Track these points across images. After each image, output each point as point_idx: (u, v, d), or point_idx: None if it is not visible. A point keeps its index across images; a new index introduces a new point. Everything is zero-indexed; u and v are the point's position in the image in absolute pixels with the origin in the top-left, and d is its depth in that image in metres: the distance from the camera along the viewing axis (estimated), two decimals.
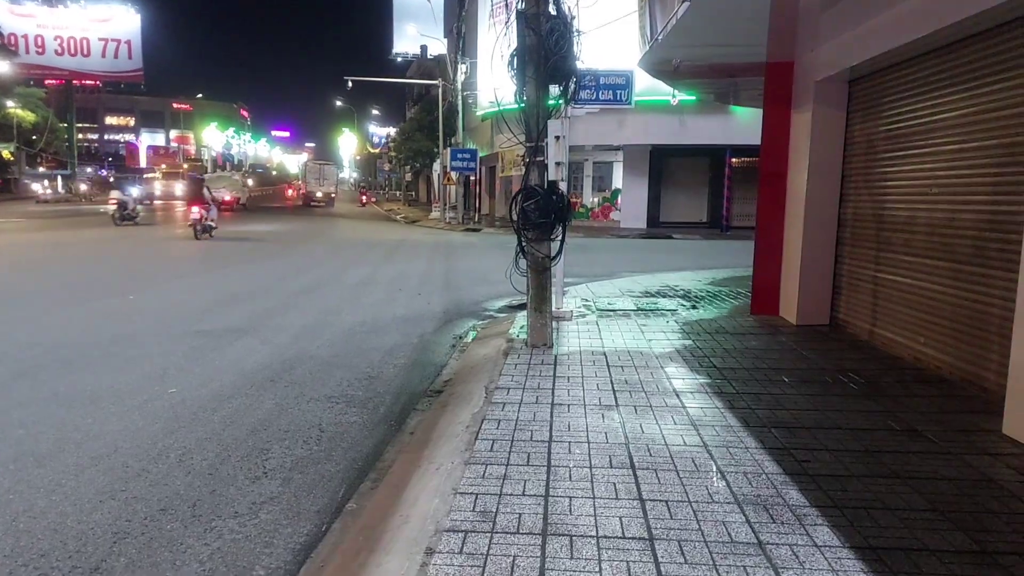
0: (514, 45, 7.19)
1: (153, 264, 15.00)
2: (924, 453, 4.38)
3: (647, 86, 26.69)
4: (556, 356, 6.85)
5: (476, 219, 35.00)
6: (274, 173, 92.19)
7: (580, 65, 7.16)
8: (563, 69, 6.99)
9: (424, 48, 62.82)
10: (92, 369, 6.47)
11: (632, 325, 8.54)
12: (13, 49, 56.71)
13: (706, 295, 10.88)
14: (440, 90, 38.03)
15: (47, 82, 64.22)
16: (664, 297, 10.72)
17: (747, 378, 6.10)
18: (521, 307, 10.19)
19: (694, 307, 9.83)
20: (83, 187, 54.21)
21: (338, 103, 79.48)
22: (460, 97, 35.94)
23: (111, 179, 30.08)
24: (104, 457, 4.46)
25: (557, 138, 7.06)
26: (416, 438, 4.96)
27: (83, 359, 6.83)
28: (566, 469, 4.05)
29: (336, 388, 6.13)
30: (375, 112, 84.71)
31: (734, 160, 29.61)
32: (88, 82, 68.48)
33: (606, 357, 6.84)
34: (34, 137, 57.92)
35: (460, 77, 35.83)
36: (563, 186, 7.23)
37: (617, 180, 31.22)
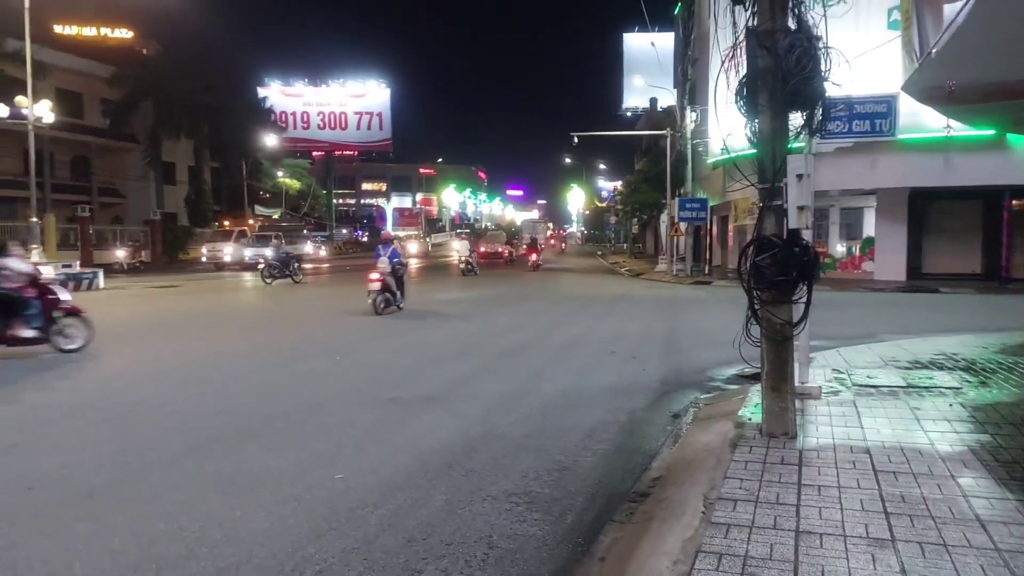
0: (742, 72, 5.96)
1: (358, 326, 15.13)
2: None
3: (906, 121, 23.76)
4: (801, 452, 5.32)
5: (706, 271, 33.06)
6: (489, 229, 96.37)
7: (829, 88, 5.73)
8: (806, 93, 5.61)
9: (653, 101, 62.25)
10: (267, 443, 6.00)
11: (902, 408, 6.70)
12: (283, 126, 64.15)
13: (998, 368, 8.58)
14: (668, 140, 36.91)
15: (314, 154, 71.80)
16: (940, 369, 8.59)
17: None
18: (755, 377, 8.62)
19: (984, 384, 7.69)
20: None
21: (567, 160, 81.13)
22: (689, 146, 34.50)
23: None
24: (231, 569, 3.74)
25: (799, 177, 5.63)
26: (607, 570, 3.75)
27: (263, 430, 6.42)
28: None
29: (520, 481, 5.09)
30: (602, 167, 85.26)
31: (1014, 202, 25.28)
32: (347, 152, 75.55)
33: (870, 456, 5.19)
34: (300, 202, 64.81)
35: (689, 125, 34.45)
36: (807, 235, 5.76)
37: (869, 227, 27.90)
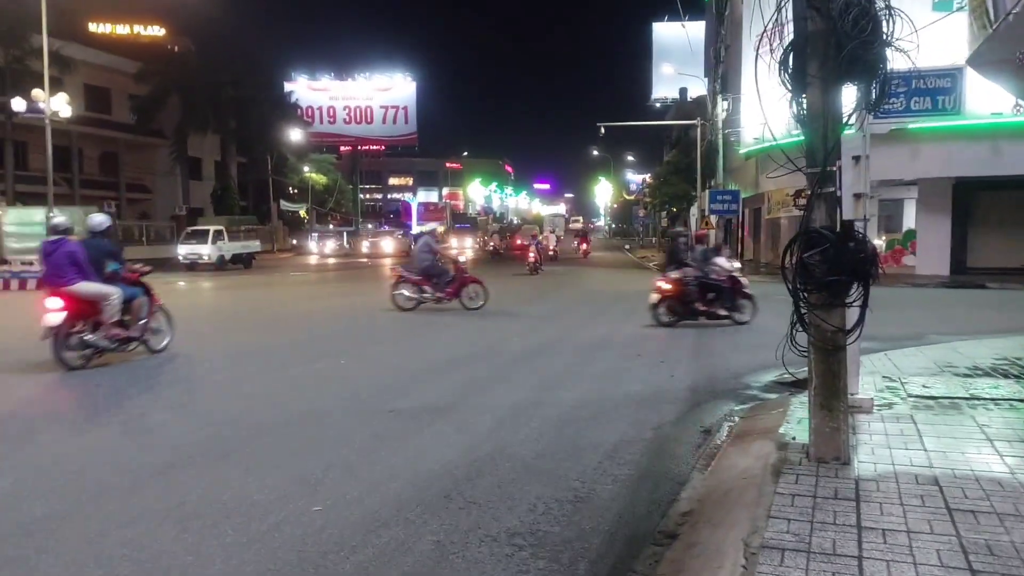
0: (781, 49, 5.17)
1: (375, 322, 14.49)
2: None
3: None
4: (857, 482, 4.53)
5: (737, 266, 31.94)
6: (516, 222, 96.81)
7: (891, 56, 4.91)
8: (866, 60, 4.79)
9: (683, 91, 61.03)
10: (247, 463, 5.34)
11: (968, 426, 5.86)
12: (309, 121, 63.99)
13: None
14: (699, 130, 35.88)
15: (342, 149, 71.64)
16: (1006, 377, 7.71)
17: None
18: (797, 385, 7.80)
19: None
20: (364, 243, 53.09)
21: (595, 152, 79.95)
22: (720, 136, 33.43)
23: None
24: None
25: (856, 159, 4.83)
26: None
27: (246, 447, 5.76)
28: None
29: (526, 516, 4.36)
30: (630, 159, 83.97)
31: None
32: (373, 147, 75.24)
33: (940, 488, 4.39)
34: (327, 197, 64.54)
35: (720, 115, 33.38)
36: (865, 228, 4.98)
37: (909, 219, 26.73)
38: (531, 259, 28.40)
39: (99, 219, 9.48)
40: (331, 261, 41.15)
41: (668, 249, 14.16)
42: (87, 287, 8.67)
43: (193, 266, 30.97)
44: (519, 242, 50.53)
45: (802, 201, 24.31)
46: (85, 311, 8.65)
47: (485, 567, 3.69)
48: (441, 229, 67.20)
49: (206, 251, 31.18)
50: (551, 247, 39.89)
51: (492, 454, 5.56)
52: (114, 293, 8.87)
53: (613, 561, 3.82)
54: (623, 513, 4.46)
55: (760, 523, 3.90)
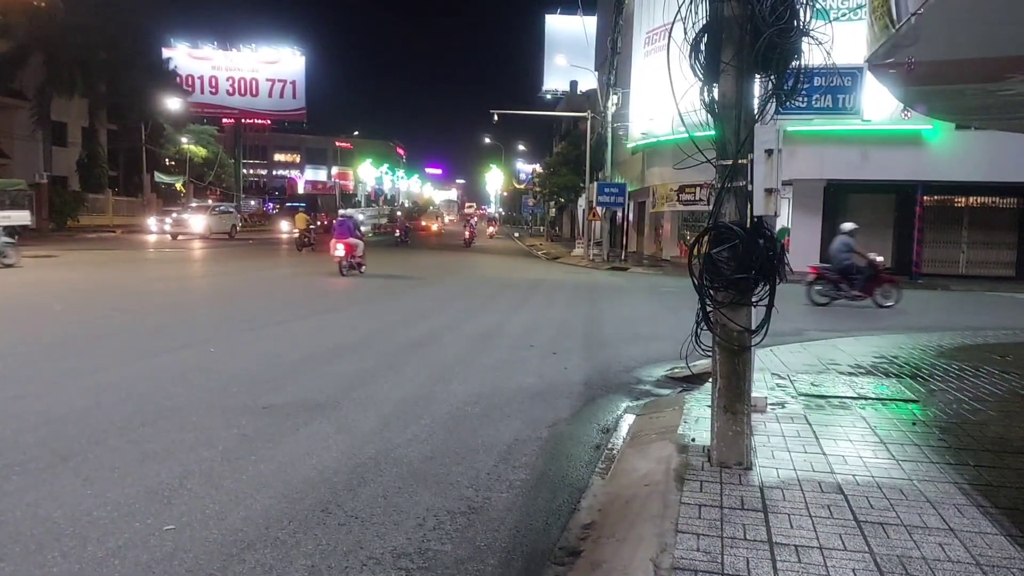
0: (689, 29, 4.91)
1: (259, 302, 13.63)
2: None
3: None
4: (762, 490, 4.35)
5: (622, 257, 32.49)
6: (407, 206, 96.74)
7: (806, 46, 4.74)
8: (783, 48, 4.59)
9: (574, 84, 61.57)
10: (87, 471, 4.60)
11: (860, 426, 5.85)
12: (189, 90, 60.26)
13: (945, 376, 7.93)
14: (588, 122, 36.10)
15: (224, 121, 67.98)
16: (887, 376, 7.87)
17: None
18: (689, 380, 7.71)
19: (939, 396, 6.97)
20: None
21: (487, 140, 79.70)
22: (610, 129, 33.70)
23: None
24: None
25: (769, 152, 4.63)
26: None
27: (91, 450, 4.99)
28: None
29: (414, 533, 3.91)
30: (522, 148, 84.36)
31: (926, 198, 25.61)
32: (258, 121, 71.90)
33: (844, 496, 4.27)
34: (206, 171, 61.06)
35: (611, 108, 33.64)
36: (778, 224, 4.80)
37: (783, 218, 27.80)
38: (466, 236, 39.31)
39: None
40: (158, 239, 34.99)
41: None
42: (353, 240, 18.29)
43: None
44: (423, 224, 59.77)
45: (686, 196, 25.13)
46: (351, 251, 18.12)
47: None
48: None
49: None
50: (472, 231, 43.52)
51: (376, 458, 5.07)
52: (361, 243, 18.67)
53: None
54: (520, 526, 4.09)
55: (668, 539, 3.62)
